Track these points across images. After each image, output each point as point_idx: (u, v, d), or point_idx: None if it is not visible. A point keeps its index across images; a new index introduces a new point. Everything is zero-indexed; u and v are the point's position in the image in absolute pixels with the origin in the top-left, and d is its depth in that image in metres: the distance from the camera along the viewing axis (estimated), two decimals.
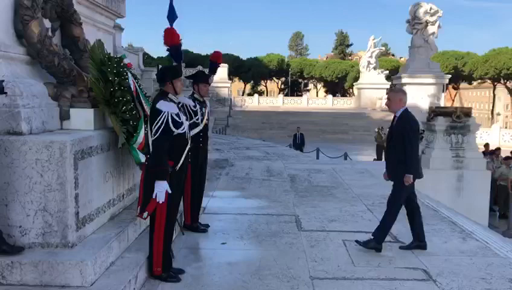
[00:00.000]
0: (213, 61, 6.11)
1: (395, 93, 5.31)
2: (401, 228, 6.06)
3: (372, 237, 5.18)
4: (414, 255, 5.05)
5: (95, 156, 4.17)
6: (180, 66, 4.62)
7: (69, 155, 3.69)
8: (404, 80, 32.31)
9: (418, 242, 5.24)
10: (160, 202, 4.02)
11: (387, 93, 5.40)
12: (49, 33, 4.36)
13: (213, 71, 6.10)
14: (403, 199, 5.16)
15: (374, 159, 20.98)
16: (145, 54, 43.06)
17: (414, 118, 5.08)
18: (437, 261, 4.87)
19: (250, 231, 5.86)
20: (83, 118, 4.36)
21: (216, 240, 5.45)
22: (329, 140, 28.68)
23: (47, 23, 4.41)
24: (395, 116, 5.12)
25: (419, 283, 4.33)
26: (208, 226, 5.88)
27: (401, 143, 4.94)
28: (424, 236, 5.26)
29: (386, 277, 4.44)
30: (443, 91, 33.75)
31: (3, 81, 3.58)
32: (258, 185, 8.95)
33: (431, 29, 32.63)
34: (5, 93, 3.59)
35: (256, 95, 53.13)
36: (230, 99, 45.19)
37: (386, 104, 5.34)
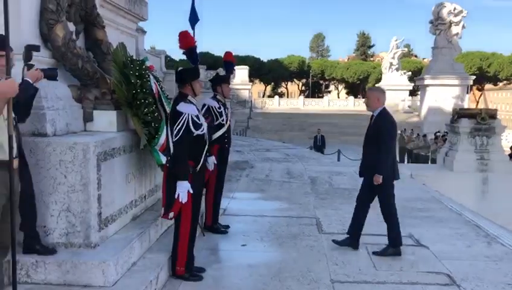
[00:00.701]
0: (227, 61, 6.21)
1: (373, 92, 5.30)
2: (424, 232, 5.98)
3: (387, 244, 5.11)
4: (437, 259, 4.96)
5: (118, 157, 4.22)
6: (197, 68, 4.67)
7: (92, 156, 3.74)
8: (427, 81, 31.87)
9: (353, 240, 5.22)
10: (183, 202, 4.07)
11: (366, 93, 5.40)
12: (73, 36, 4.44)
13: (230, 71, 6.20)
14: (390, 196, 5.12)
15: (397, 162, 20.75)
16: (167, 56, 43.46)
17: (392, 118, 5.08)
18: (461, 266, 4.78)
19: (270, 233, 5.85)
20: (105, 119, 4.43)
21: (236, 242, 5.46)
22: (351, 142, 28.35)
23: (71, 27, 4.49)
24: (372, 116, 5.11)
25: (442, 288, 4.25)
26: (228, 227, 5.90)
27: (378, 142, 4.93)
28: (359, 236, 5.24)
29: (408, 281, 4.37)
30: (467, 92, 33.18)
31: (56, 69, 3.72)
32: (278, 187, 8.93)
33: (455, 29, 32.11)
34: (57, 79, 3.74)
35: (276, 97, 53.15)
36: (251, 101, 45.29)
37: (365, 103, 5.36)
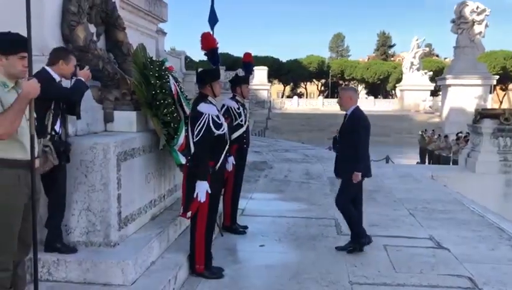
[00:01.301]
0: (246, 62, 6.23)
1: (345, 91, 5.34)
2: (445, 234, 5.89)
3: (350, 241, 5.18)
4: (459, 262, 4.88)
5: (137, 157, 4.26)
6: (218, 69, 4.70)
7: (112, 156, 3.78)
8: (448, 81, 31.38)
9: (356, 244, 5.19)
10: (202, 202, 4.09)
11: (339, 93, 5.44)
12: (94, 38, 4.50)
13: (249, 71, 6.22)
14: (350, 196, 5.16)
15: (417, 163, 20.49)
16: (187, 57, 43.73)
17: (365, 116, 5.11)
18: (483, 269, 4.68)
19: (288, 233, 5.83)
20: (126, 120, 4.48)
21: (254, 242, 5.45)
22: (370, 143, 28.14)
23: (92, 28, 4.55)
24: (346, 115, 5.15)
25: None
26: (246, 227, 5.90)
27: (351, 141, 4.96)
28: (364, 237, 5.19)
29: (428, 284, 4.30)
30: (490, 92, 32.55)
31: (102, 70, 4.06)
32: (297, 188, 8.90)
33: (477, 28, 31.54)
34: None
35: (295, 97, 53.02)
36: (270, 101, 45.25)
37: (338, 103, 5.41)
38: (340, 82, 69.03)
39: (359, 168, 4.94)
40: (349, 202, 5.18)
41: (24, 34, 2.81)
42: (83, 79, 3.66)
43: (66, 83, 3.64)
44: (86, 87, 3.72)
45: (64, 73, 3.63)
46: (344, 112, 5.22)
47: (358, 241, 5.12)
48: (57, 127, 3.58)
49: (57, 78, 3.60)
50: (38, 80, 2.99)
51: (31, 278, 3.16)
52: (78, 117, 3.82)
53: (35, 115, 2.96)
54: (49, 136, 3.52)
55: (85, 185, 3.79)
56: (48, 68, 3.61)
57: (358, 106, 5.10)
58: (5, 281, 2.94)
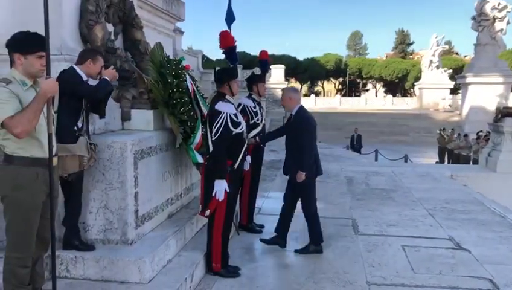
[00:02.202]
0: (262, 60, 6.21)
1: (285, 92, 5.28)
2: (465, 234, 5.79)
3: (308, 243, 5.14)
4: (479, 263, 4.79)
5: (154, 156, 4.28)
6: (236, 67, 4.69)
7: (129, 155, 3.81)
8: (468, 80, 30.84)
9: (280, 240, 5.18)
10: (220, 200, 4.10)
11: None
12: (112, 37, 4.53)
13: (266, 70, 6.20)
14: (312, 194, 5.14)
15: (436, 162, 20.21)
16: (204, 56, 43.87)
17: (309, 115, 5.07)
18: (505, 271, 4.59)
19: (305, 233, 5.79)
20: (143, 118, 4.50)
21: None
22: (389, 142, 27.94)
23: (110, 28, 4.58)
24: (291, 115, 5.10)
25: None
26: (263, 226, 5.89)
27: (297, 141, 4.93)
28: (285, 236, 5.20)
29: (447, 286, 4.23)
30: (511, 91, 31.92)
31: (129, 71, 4.17)
32: None
33: (499, 25, 30.90)
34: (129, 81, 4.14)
35: (312, 96, 52.77)
36: None
37: (282, 104, 5.41)
38: (358, 80, 68.65)
39: (303, 167, 4.90)
40: (314, 201, 5.18)
41: (42, 33, 2.84)
42: (108, 78, 3.71)
43: (92, 83, 3.69)
44: (110, 86, 3.78)
45: (91, 72, 3.70)
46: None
47: (316, 241, 5.12)
48: (79, 124, 3.62)
49: (84, 76, 3.66)
50: (65, 78, 3.04)
51: (49, 275, 3.20)
52: (103, 116, 3.90)
53: (54, 114, 2.99)
54: (86, 134, 3.65)
55: (102, 183, 3.82)
56: (75, 67, 3.68)
57: (302, 106, 5.07)
58: (23, 277, 2.98)
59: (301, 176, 4.92)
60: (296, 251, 5.08)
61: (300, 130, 4.94)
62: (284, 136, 5.20)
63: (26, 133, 2.76)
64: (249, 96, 5.69)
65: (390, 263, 4.78)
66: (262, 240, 5.25)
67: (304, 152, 4.90)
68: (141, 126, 4.48)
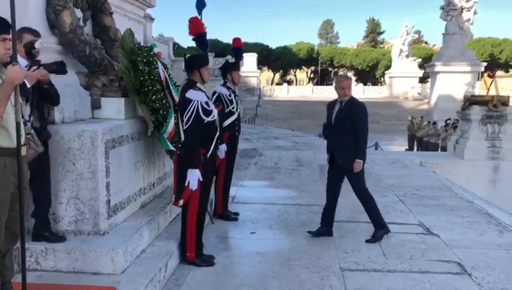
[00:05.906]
0: (236, 47, 6.16)
1: (347, 79, 5.41)
2: (435, 220, 5.94)
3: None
4: (448, 248, 4.91)
5: (126, 145, 4.21)
6: (206, 54, 4.62)
7: (100, 144, 3.73)
8: (437, 68, 31.47)
9: None
10: (193, 190, 4.06)
11: None
12: (81, 23, 4.40)
13: (240, 57, 6.16)
14: (363, 177, 5.22)
15: (406, 149, 20.61)
16: (175, 43, 43.35)
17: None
18: (472, 255, 4.73)
19: (279, 220, 5.83)
20: (113, 107, 4.41)
21: (245, 230, 5.45)
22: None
23: (78, 13, 4.45)
24: (342, 103, 5.22)
25: (453, 277, 4.21)
26: (238, 214, 5.89)
27: (355, 129, 5.01)
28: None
29: (418, 270, 4.33)
30: (478, 79, 32.74)
31: (64, 64, 3.59)
32: (287, 175, 8.89)
33: (466, 15, 31.55)
34: (66, 72, 3.64)
35: (285, 85, 52.94)
36: (259, 88, 45.08)
37: (340, 90, 5.31)
38: (330, 69, 69.08)
39: (362, 156, 4.99)
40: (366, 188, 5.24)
41: (8, 18, 2.72)
42: (27, 84, 3.11)
43: (23, 63, 3.14)
44: (26, 91, 3.13)
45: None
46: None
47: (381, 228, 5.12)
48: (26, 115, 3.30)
49: None
50: None
51: (19, 267, 3.12)
52: (56, 104, 3.69)
53: (20, 101, 2.89)
54: (29, 124, 3.32)
55: (73, 173, 3.73)
56: None
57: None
58: None
59: (360, 165, 4.91)
60: (367, 241, 5.03)
61: (360, 117, 4.91)
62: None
63: None
64: (224, 85, 5.65)
65: (363, 249, 4.86)
66: (310, 232, 5.20)
67: (363, 140, 4.87)
68: (112, 115, 4.38)
